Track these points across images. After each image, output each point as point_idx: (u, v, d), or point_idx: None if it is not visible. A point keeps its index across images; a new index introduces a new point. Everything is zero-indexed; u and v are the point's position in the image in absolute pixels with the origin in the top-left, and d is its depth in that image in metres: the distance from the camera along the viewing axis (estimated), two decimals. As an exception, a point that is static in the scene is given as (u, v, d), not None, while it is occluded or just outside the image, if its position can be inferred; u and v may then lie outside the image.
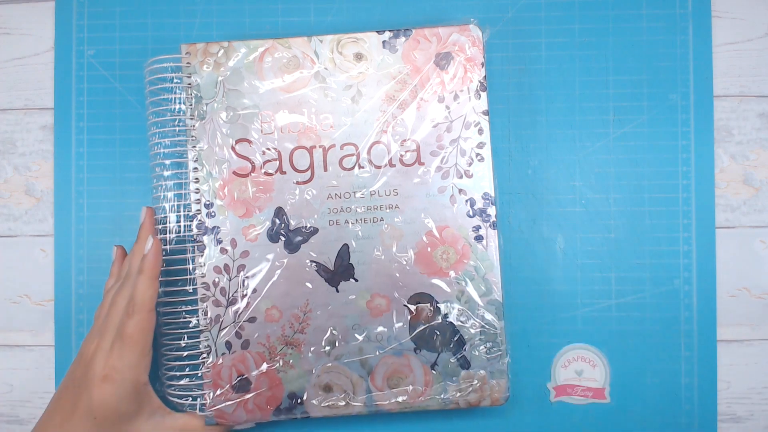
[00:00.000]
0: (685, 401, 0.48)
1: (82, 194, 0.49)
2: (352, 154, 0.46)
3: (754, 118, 0.49)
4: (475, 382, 0.45)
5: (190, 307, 0.45)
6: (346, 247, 0.45)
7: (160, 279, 0.43)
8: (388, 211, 0.46)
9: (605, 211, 0.48)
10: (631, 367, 0.48)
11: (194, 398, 0.45)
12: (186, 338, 0.45)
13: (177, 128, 0.46)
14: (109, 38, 0.49)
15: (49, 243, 0.50)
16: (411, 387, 0.45)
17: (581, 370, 0.48)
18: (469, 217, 0.45)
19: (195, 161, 0.45)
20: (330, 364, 0.45)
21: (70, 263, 0.49)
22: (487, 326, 0.45)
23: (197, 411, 0.45)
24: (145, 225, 0.45)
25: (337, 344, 0.45)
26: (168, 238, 0.45)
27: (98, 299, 0.49)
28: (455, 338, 0.45)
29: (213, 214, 0.45)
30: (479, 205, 0.46)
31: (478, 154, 0.46)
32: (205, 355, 0.45)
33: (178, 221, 0.46)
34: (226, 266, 0.45)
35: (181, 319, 0.45)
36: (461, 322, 0.45)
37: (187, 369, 0.45)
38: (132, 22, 0.49)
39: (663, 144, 0.48)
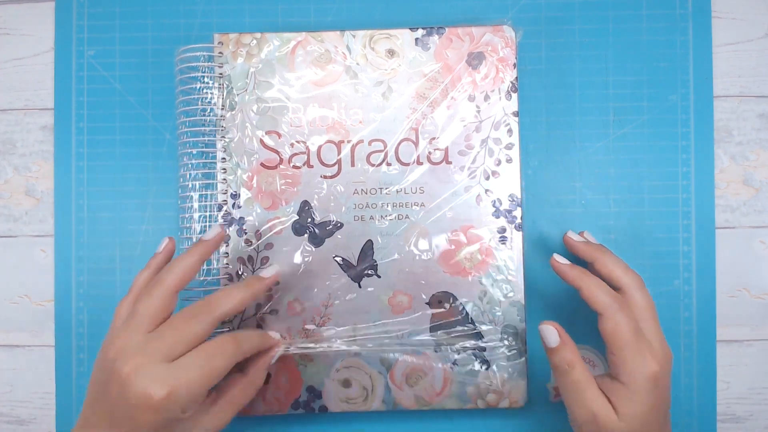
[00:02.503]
0: (685, 401, 0.48)
1: (82, 194, 0.49)
2: (380, 151, 0.46)
3: (754, 118, 0.49)
4: (494, 382, 0.45)
5: None
6: (370, 243, 0.46)
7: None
8: (413, 208, 0.46)
9: (605, 211, 0.48)
10: (631, 367, 0.48)
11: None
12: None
13: (206, 118, 0.46)
14: (109, 38, 0.49)
15: (49, 243, 0.50)
16: (429, 385, 0.45)
17: (581, 370, 0.48)
18: (495, 217, 0.46)
19: (223, 151, 0.46)
20: (350, 360, 0.45)
21: (70, 263, 0.49)
22: (508, 327, 0.45)
23: None
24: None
25: (357, 340, 0.45)
26: (193, 228, 0.46)
27: (98, 299, 0.49)
28: (476, 338, 0.45)
29: (239, 205, 0.46)
30: (505, 206, 0.46)
31: (506, 155, 0.46)
32: None
33: (204, 211, 0.46)
34: (249, 258, 0.46)
35: None
36: (482, 322, 0.45)
37: None
38: (132, 22, 0.49)
39: (663, 144, 0.48)
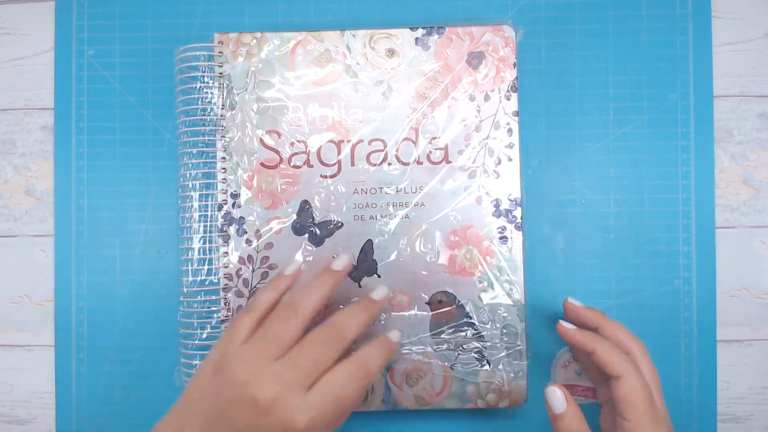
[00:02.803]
0: (685, 401, 0.48)
1: (82, 194, 0.49)
2: (380, 150, 0.46)
3: (754, 118, 0.49)
4: (495, 382, 0.45)
5: (213, 297, 0.45)
6: (370, 242, 0.46)
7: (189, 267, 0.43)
8: (413, 208, 0.46)
9: (605, 211, 0.48)
10: (631, 367, 0.48)
11: None
12: (207, 328, 0.45)
13: (206, 117, 0.46)
14: (109, 38, 0.49)
15: (49, 243, 0.50)
16: (429, 385, 0.45)
17: (581, 370, 0.48)
18: (495, 217, 0.46)
19: (223, 151, 0.46)
20: None
21: (70, 263, 0.49)
22: (508, 327, 0.45)
23: None
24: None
25: (357, 340, 0.45)
26: (193, 228, 0.46)
27: (98, 299, 0.49)
28: (476, 338, 0.45)
29: (239, 204, 0.46)
30: (505, 205, 0.46)
31: (506, 155, 0.46)
32: None
33: (204, 211, 0.46)
34: (249, 257, 0.46)
35: (203, 309, 0.45)
36: (482, 322, 0.45)
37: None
38: (132, 22, 0.49)
39: (663, 144, 0.48)
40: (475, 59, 0.46)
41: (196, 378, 0.38)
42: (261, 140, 0.46)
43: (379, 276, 0.46)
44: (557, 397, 0.39)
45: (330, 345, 0.37)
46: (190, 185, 0.46)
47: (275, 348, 0.36)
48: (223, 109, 0.46)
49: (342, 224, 0.46)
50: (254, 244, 0.46)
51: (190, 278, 0.46)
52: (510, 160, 0.46)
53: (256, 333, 0.37)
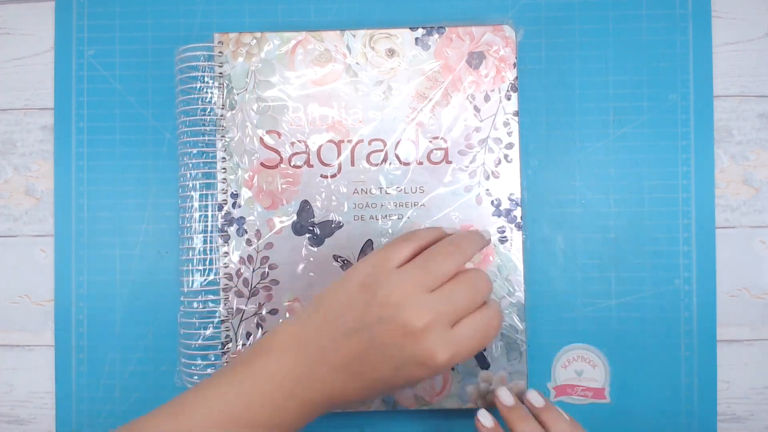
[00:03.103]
0: (685, 401, 0.48)
1: (82, 194, 0.49)
2: (380, 150, 0.46)
3: (754, 118, 0.49)
4: (494, 382, 0.45)
5: (213, 297, 0.45)
6: (370, 242, 0.46)
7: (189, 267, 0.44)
8: (413, 208, 0.46)
9: (605, 211, 0.48)
10: (631, 367, 0.48)
11: None
12: (210, 328, 0.46)
13: (206, 117, 0.46)
14: (109, 38, 0.49)
15: (49, 243, 0.50)
16: (429, 385, 0.45)
17: (581, 370, 0.48)
18: (495, 217, 0.46)
19: (223, 151, 0.46)
20: None
21: (70, 263, 0.49)
22: (508, 327, 0.45)
23: None
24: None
25: None
26: (193, 228, 0.46)
27: (98, 299, 0.49)
28: None
29: (239, 204, 0.46)
30: (505, 205, 0.46)
31: (506, 155, 0.46)
32: (225, 345, 0.45)
33: (204, 211, 0.46)
34: (249, 257, 0.46)
35: (204, 308, 0.46)
36: None
37: (211, 358, 0.46)
38: (132, 22, 0.49)
39: (663, 144, 0.48)
40: (475, 59, 0.46)
41: (337, 292, 0.38)
42: (261, 140, 0.46)
43: None
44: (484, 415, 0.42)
45: (479, 290, 0.38)
46: (190, 185, 0.46)
47: (432, 280, 0.37)
48: (223, 109, 0.46)
49: (342, 224, 0.46)
50: (254, 244, 0.46)
51: (191, 278, 0.46)
52: (510, 160, 0.46)
53: (414, 261, 0.38)
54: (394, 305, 0.36)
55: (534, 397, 0.43)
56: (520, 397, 0.44)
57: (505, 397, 0.43)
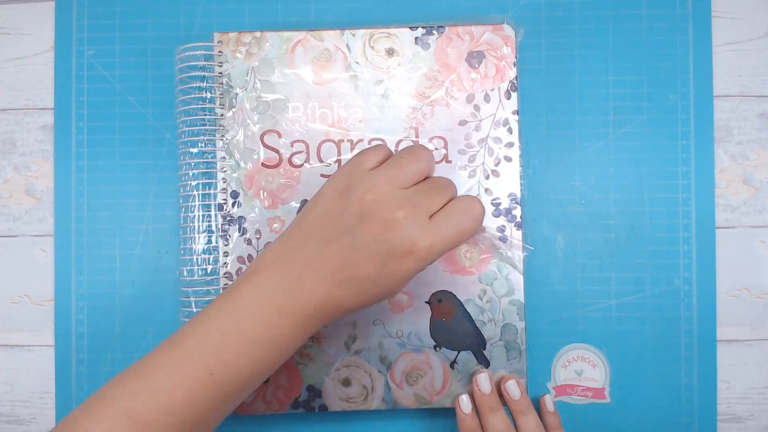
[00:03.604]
0: (685, 401, 0.48)
1: (82, 194, 0.49)
2: None
3: (754, 118, 0.49)
4: (494, 382, 0.45)
5: (213, 297, 0.45)
6: None
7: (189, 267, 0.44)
8: None
9: (605, 211, 0.48)
10: (631, 367, 0.48)
11: None
12: None
13: (206, 117, 0.46)
14: (109, 38, 0.49)
15: (49, 243, 0.50)
16: (429, 384, 0.45)
17: (581, 370, 0.48)
18: (495, 216, 0.46)
19: (223, 150, 0.46)
20: (349, 359, 0.45)
21: (70, 263, 0.49)
22: (508, 326, 0.45)
23: None
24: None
25: (357, 339, 0.45)
26: (193, 227, 0.46)
27: (98, 299, 0.49)
28: (476, 337, 0.45)
29: (239, 204, 0.46)
30: (505, 205, 0.46)
31: (506, 155, 0.46)
32: None
33: (205, 210, 0.46)
34: (249, 257, 0.46)
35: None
36: (482, 321, 0.45)
37: None
38: (132, 22, 0.49)
39: (663, 144, 0.48)
40: (474, 58, 0.46)
41: (315, 205, 0.38)
42: (261, 139, 0.46)
43: None
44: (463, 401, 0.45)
45: (449, 188, 0.38)
46: (190, 185, 0.46)
47: (404, 177, 0.37)
48: (222, 108, 0.46)
49: None
50: (254, 243, 0.46)
51: (191, 278, 0.46)
52: (510, 159, 0.46)
53: (386, 163, 0.38)
54: (371, 202, 0.36)
55: (511, 388, 0.44)
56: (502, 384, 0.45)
57: (483, 384, 0.44)
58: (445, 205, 0.37)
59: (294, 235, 0.38)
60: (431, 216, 0.37)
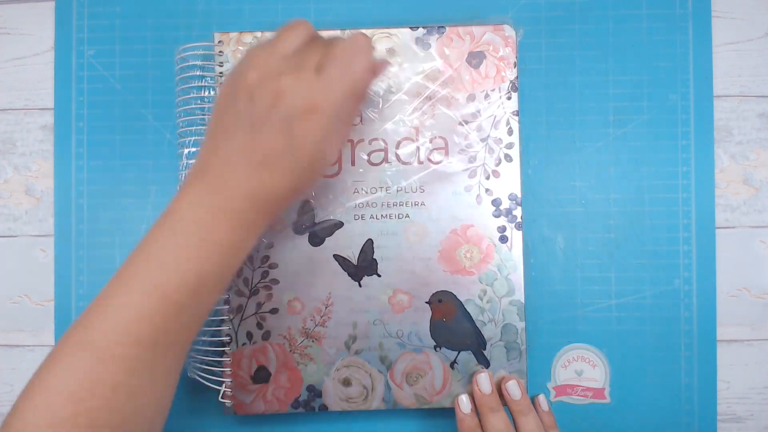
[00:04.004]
0: (685, 401, 0.48)
1: (82, 194, 0.49)
2: (381, 150, 0.46)
3: (754, 118, 0.49)
4: (494, 382, 0.45)
5: None
6: (370, 242, 0.46)
7: None
8: (413, 207, 0.46)
9: (605, 211, 0.48)
10: (631, 367, 0.48)
11: (217, 383, 0.45)
12: (207, 327, 0.46)
13: (206, 117, 0.46)
14: (109, 38, 0.49)
15: (49, 243, 0.50)
16: (429, 384, 0.45)
17: (581, 370, 0.48)
18: (495, 217, 0.46)
19: None
20: (350, 359, 0.45)
21: (70, 263, 0.49)
22: (508, 326, 0.45)
23: (218, 398, 0.45)
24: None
25: (357, 339, 0.45)
26: None
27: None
28: (476, 337, 0.45)
29: None
30: (505, 205, 0.46)
31: (506, 155, 0.46)
32: (225, 345, 0.45)
33: None
34: (250, 256, 0.45)
35: None
36: (482, 321, 0.45)
37: (207, 355, 0.46)
38: (132, 22, 0.49)
39: (663, 144, 0.48)
40: (475, 59, 0.46)
41: (215, 109, 0.38)
42: None
43: (379, 275, 0.46)
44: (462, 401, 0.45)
45: (331, 39, 0.37)
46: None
47: (282, 46, 0.36)
48: None
49: (342, 224, 0.46)
50: None
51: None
52: (510, 159, 0.46)
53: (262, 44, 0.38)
54: (255, 79, 0.35)
55: (512, 388, 0.44)
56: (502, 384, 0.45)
57: (483, 384, 0.44)
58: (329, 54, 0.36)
59: (207, 144, 0.37)
60: (319, 70, 0.35)
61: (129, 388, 0.34)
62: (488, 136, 0.46)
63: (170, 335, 0.35)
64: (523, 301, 0.46)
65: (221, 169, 0.36)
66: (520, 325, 0.46)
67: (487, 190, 0.46)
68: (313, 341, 0.46)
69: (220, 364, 0.45)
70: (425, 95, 0.46)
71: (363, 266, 0.46)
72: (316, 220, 0.46)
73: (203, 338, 0.46)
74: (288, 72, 0.35)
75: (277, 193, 0.36)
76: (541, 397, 0.47)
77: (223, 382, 0.45)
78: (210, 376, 0.45)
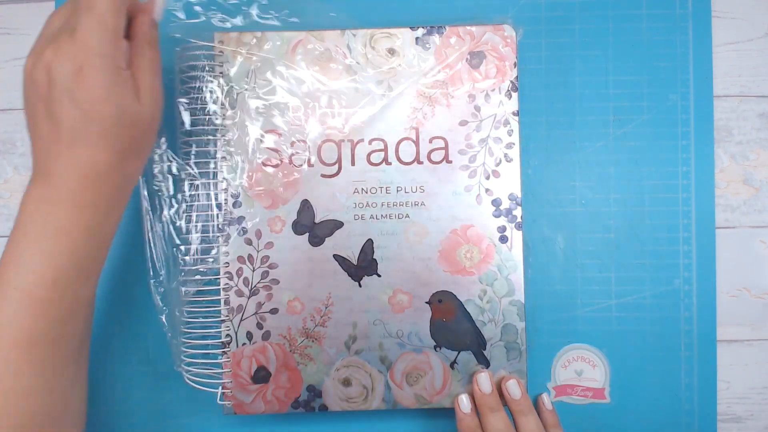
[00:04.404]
0: (685, 401, 0.48)
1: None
2: (381, 150, 0.46)
3: (754, 118, 0.49)
4: (494, 382, 0.45)
5: (213, 297, 0.45)
6: (370, 242, 0.46)
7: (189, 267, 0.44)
8: (413, 207, 0.46)
9: (605, 211, 0.48)
10: (631, 367, 0.48)
11: (215, 386, 0.45)
12: (207, 327, 0.46)
13: (206, 117, 0.46)
14: (109, 38, 0.49)
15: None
16: (429, 384, 0.45)
17: (581, 370, 0.48)
18: (495, 217, 0.46)
19: (223, 150, 0.46)
20: (350, 359, 0.45)
21: None
22: (508, 326, 0.45)
23: (217, 400, 0.45)
24: None
25: (357, 339, 0.45)
26: (194, 227, 0.46)
27: (97, 299, 0.48)
28: (476, 337, 0.45)
29: (239, 204, 0.46)
30: (505, 205, 0.46)
31: (506, 155, 0.46)
32: (225, 345, 0.45)
33: (204, 210, 0.46)
34: (250, 257, 0.46)
35: (204, 308, 0.46)
36: (482, 321, 0.45)
37: (207, 358, 0.46)
38: (132, 22, 0.49)
39: (663, 144, 0.48)
40: (475, 59, 0.46)
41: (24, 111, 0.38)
42: (261, 140, 0.46)
43: (379, 275, 0.46)
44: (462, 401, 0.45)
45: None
46: (189, 185, 0.46)
47: (47, 29, 0.37)
48: (223, 108, 0.46)
49: (342, 224, 0.46)
50: (254, 243, 0.46)
51: (191, 278, 0.46)
52: (510, 159, 0.46)
53: None
54: (31, 64, 0.36)
55: (512, 388, 0.44)
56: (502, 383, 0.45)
57: (483, 383, 0.44)
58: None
59: (31, 141, 0.38)
60: (72, 30, 0.35)
61: (20, 390, 0.35)
62: (488, 136, 0.46)
63: (45, 332, 0.35)
64: (523, 301, 0.46)
65: (44, 158, 0.36)
66: (520, 325, 0.46)
67: (487, 190, 0.46)
68: (313, 341, 0.46)
69: (219, 364, 0.45)
70: (425, 95, 0.46)
71: (363, 266, 0.46)
72: (316, 220, 0.46)
73: (203, 339, 0.46)
74: (47, 46, 0.35)
75: (101, 164, 0.36)
76: (544, 396, 0.47)
77: (222, 382, 0.45)
78: (206, 380, 0.45)
